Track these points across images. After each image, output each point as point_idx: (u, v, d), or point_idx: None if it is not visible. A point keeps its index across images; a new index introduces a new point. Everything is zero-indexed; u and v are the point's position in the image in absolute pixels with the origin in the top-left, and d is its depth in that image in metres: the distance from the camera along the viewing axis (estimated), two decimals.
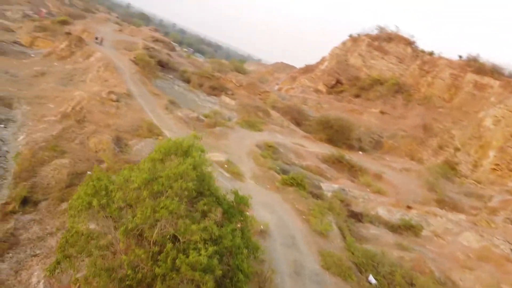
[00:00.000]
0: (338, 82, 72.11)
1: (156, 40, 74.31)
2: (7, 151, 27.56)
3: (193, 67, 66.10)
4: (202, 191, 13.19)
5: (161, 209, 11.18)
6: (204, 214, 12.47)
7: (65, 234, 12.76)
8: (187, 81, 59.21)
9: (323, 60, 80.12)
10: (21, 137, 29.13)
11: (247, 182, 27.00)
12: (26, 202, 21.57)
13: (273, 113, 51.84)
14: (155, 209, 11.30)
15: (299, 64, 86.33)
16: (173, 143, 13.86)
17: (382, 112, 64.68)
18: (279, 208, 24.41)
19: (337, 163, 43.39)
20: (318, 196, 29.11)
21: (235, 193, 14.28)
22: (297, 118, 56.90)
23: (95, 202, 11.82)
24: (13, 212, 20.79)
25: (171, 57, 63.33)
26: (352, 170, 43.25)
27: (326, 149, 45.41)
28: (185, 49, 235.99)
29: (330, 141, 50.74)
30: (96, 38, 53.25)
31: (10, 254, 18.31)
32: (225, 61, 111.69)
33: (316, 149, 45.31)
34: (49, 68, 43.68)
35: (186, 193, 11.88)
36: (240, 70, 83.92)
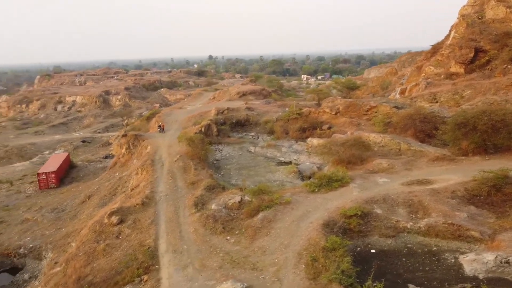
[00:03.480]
0: (479, 50, 50.41)
1: (243, 95, 67.03)
2: None
3: (280, 110, 55.53)
4: None
5: None
6: None
7: None
8: (272, 132, 48.93)
9: (450, 31, 58.90)
10: None
11: None
12: None
13: (378, 138, 36.35)
14: None
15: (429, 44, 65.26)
16: None
17: None
18: None
19: (495, 194, 25.40)
20: None
21: None
22: (424, 129, 39.19)
23: None
24: None
25: (253, 111, 54.20)
26: None
27: (472, 171, 27.66)
28: (320, 77, 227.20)
29: (480, 150, 32.30)
30: (159, 127, 48.29)
31: None
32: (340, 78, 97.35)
33: (454, 176, 28.05)
34: (104, 183, 39.37)
35: None
36: (351, 86, 69.15)
